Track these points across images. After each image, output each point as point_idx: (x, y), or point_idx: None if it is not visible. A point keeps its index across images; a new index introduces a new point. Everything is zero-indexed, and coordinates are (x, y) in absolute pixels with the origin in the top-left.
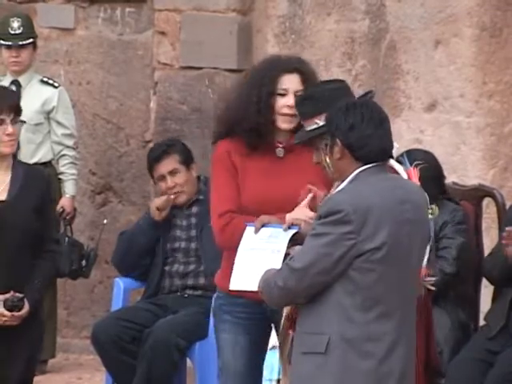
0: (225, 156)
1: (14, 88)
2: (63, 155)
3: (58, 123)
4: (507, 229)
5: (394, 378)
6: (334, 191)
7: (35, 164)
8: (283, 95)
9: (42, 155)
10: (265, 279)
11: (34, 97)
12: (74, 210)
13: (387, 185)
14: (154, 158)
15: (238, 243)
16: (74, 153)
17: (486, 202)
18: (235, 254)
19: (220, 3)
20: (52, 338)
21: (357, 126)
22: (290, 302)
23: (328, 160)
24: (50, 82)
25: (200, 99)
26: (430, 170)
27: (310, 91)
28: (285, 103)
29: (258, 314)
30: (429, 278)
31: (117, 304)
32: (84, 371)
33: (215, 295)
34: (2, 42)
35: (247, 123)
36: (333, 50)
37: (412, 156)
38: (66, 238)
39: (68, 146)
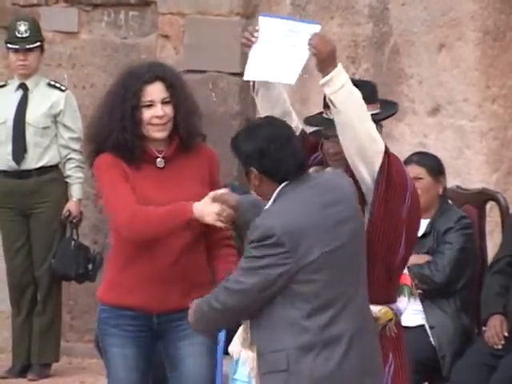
0: (114, 163)
1: (21, 91)
2: (70, 159)
3: (65, 127)
4: None
5: (355, 373)
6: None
7: (42, 167)
8: (150, 106)
9: (49, 158)
10: (194, 309)
11: (41, 100)
12: (81, 213)
13: (312, 195)
14: None
15: (153, 230)
16: (81, 156)
17: (490, 205)
18: (124, 259)
19: (223, 7)
20: (56, 341)
21: (266, 150)
22: (230, 322)
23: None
24: (57, 85)
25: (203, 103)
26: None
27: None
28: (153, 114)
29: (146, 327)
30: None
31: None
32: (87, 375)
33: (99, 308)
34: (9, 45)
35: (113, 141)
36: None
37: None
38: (73, 242)
39: (75, 150)
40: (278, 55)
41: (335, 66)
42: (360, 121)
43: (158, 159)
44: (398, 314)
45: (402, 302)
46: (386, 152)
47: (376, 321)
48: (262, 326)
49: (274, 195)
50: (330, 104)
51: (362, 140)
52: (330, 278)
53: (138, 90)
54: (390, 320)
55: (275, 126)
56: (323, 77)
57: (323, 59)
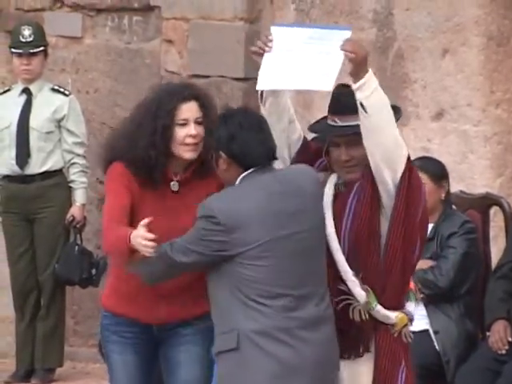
0: (123, 174)
1: (24, 96)
2: (74, 163)
3: (69, 131)
4: None
5: (310, 362)
6: None
7: (45, 172)
8: (183, 125)
9: (52, 163)
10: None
11: (45, 105)
12: (84, 218)
13: (266, 184)
14: None
15: (122, 251)
16: (85, 161)
17: (494, 210)
18: (120, 271)
19: (227, 12)
20: (59, 346)
21: (237, 135)
22: (173, 275)
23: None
24: (61, 90)
25: None
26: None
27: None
28: (187, 133)
29: (145, 334)
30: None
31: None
32: (91, 380)
33: (101, 314)
34: (13, 49)
35: (136, 155)
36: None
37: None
38: (76, 247)
39: (78, 155)
40: (303, 63)
41: (367, 70)
42: (388, 125)
43: (172, 182)
44: (412, 319)
45: (410, 308)
46: (408, 157)
47: (393, 327)
48: (217, 308)
49: (238, 181)
50: (360, 109)
51: (388, 144)
52: (276, 265)
53: (172, 107)
54: (406, 325)
55: (248, 113)
56: (355, 82)
57: (359, 63)
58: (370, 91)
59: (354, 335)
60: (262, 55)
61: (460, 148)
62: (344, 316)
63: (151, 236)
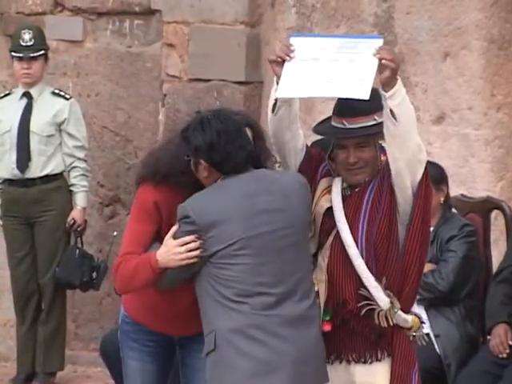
0: (149, 201)
1: (25, 100)
2: (74, 167)
3: (70, 135)
4: None
5: (286, 360)
6: None
7: (46, 176)
8: None
9: (53, 167)
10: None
11: (46, 109)
12: (85, 221)
13: (241, 183)
14: None
15: (124, 285)
16: (85, 165)
17: (495, 214)
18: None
19: (228, 16)
20: (60, 350)
21: (216, 143)
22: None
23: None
24: (62, 93)
25: None
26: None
27: None
28: None
29: (166, 342)
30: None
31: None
32: (92, 383)
33: (121, 317)
34: (14, 53)
35: (169, 178)
36: None
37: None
38: (77, 250)
39: (79, 158)
40: (333, 72)
41: (397, 78)
42: (414, 131)
43: None
44: (423, 322)
45: (415, 310)
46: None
47: (409, 330)
48: (202, 310)
49: (217, 181)
50: (390, 116)
51: (413, 150)
52: (252, 264)
53: None
54: (419, 328)
55: (225, 119)
56: (388, 90)
57: (395, 71)
58: (400, 99)
59: (374, 340)
60: (280, 64)
61: (461, 152)
62: (365, 321)
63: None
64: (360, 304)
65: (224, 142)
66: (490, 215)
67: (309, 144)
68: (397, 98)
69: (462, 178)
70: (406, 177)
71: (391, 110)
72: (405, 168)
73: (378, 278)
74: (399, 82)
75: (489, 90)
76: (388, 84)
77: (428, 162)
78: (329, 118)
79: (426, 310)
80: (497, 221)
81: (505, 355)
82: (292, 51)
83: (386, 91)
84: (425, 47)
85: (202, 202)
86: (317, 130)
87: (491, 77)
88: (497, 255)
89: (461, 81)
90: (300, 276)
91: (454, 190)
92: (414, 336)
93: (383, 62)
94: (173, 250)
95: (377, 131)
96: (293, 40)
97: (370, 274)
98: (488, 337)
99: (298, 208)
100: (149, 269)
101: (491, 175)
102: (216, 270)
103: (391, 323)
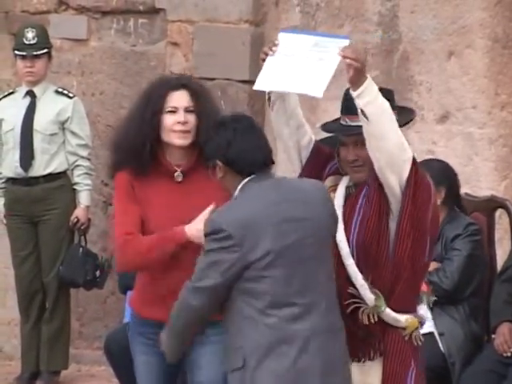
0: (126, 184)
1: (28, 98)
2: (78, 165)
3: (73, 133)
4: None
5: (313, 373)
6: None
7: (49, 174)
8: (173, 112)
9: (56, 165)
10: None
11: (49, 107)
12: (89, 220)
13: (267, 191)
14: None
15: (140, 260)
16: (89, 163)
17: (499, 213)
18: (148, 275)
19: (232, 14)
20: (64, 348)
21: (233, 141)
22: (199, 320)
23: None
24: (65, 92)
25: None
26: (449, 179)
27: None
28: (176, 120)
29: None
30: (432, 298)
31: (129, 315)
32: (96, 382)
33: (131, 316)
34: (17, 52)
35: (128, 147)
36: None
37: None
38: (81, 249)
39: (83, 157)
40: (302, 68)
41: (366, 77)
42: (390, 130)
43: (176, 173)
44: (422, 323)
45: (423, 310)
46: (414, 160)
47: (404, 330)
48: (227, 324)
49: (239, 188)
50: (361, 116)
51: (391, 150)
52: (283, 275)
53: (161, 95)
54: (416, 328)
55: (242, 119)
56: (355, 89)
57: (360, 70)
58: (370, 98)
59: (362, 338)
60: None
61: (465, 150)
62: (353, 319)
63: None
64: (347, 302)
65: (240, 140)
66: (495, 214)
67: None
68: (365, 97)
69: (466, 176)
70: (390, 176)
71: (362, 110)
72: (386, 168)
73: (367, 277)
74: (368, 80)
75: (493, 88)
76: (354, 83)
77: (429, 164)
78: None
79: (431, 308)
80: (501, 220)
81: (509, 354)
82: (275, 45)
83: (354, 90)
84: (429, 46)
85: (234, 214)
86: (324, 126)
87: (495, 76)
88: (501, 254)
89: (465, 80)
90: (325, 286)
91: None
92: (409, 336)
93: (347, 61)
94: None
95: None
96: (280, 35)
97: (357, 272)
98: (493, 336)
99: (321, 216)
100: (173, 240)
101: (495, 174)
102: (248, 283)
103: (373, 321)
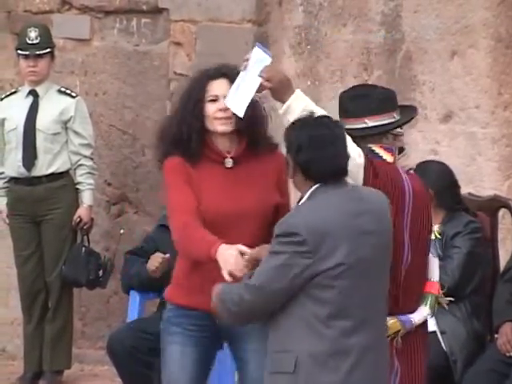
0: (180, 166)
1: (31, 98)
2: (80, 165)
3: (76, 133)
4: None
5: None
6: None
7: (52, 174)
8: (214, 101)
9: (59, 165)
10: (221, 297)
11: (52, 107)
12: (91, 219)
13: (342, 201)
14: None
15: (189, 252)
16: (92, 163)
17: (502, 212)
18: (188, 264)
19: (235, 14)
20: (67, 348)
21: (303, 147)
22: (246, 320)
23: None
24: (68, 91)
25: None
26: (445, 181)
27: (362, 90)
28: (217, 107)
29: (208, 327)
30: (446, 298)
31: (132, 315)
32: (99, 382)
33: (166, 309)
34: (20, 51)
35: (174, 136)
36: (348, 60)
37: (426, 167)
38: (83, 248)
39: (85, 156)
40: (238, 86)
41: (292, 92)
42: None
43: (227, 159)
44: (406, 326)
45: (421, 312)
46: (370, 164)
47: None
48: (281, 325)
49: (308, 194)
50: None
51: None
52: (348, 287)
53: (202, 85)
54: (398, 331)
55: (325, 125)
56: (280, 107)
57: (275, 88)
58: (298, 111)
59: None
60: None
61: (468, 150)
62: None
63: (244, 263)
64: None
65: (311, 149)
66: (498, 214)
67: None
68: (292, 112)
69: (470, 176)
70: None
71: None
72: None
73: None
74: (295, 95)
75: (496, 88)
76: (279, 100)
77: (433, 162)
78: None
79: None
80: (504, 219)
81: (511, 354)
82: (246, 60)
83: (279, 108)
84: (432, 46)
85: (309, 220)
86: None
87: (498, 75)
88: (504, 254)
89: (468, 79)
90: (380, 301)
91: (462, 189)
92: (391, 339)
93: (262, 81)
94: (232, 264)
95: (362, 134)
96: (255, 49)
97: None
98: (495, 335)
99: (387, 229)
100: (206, 252)
101: (498, 174)
102: (316, 290)
103: None
